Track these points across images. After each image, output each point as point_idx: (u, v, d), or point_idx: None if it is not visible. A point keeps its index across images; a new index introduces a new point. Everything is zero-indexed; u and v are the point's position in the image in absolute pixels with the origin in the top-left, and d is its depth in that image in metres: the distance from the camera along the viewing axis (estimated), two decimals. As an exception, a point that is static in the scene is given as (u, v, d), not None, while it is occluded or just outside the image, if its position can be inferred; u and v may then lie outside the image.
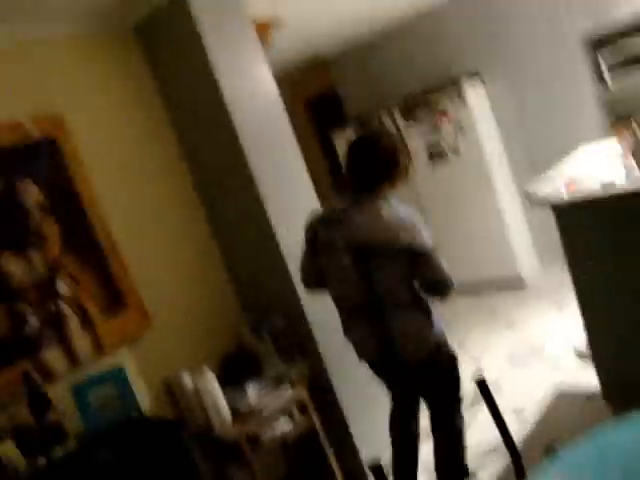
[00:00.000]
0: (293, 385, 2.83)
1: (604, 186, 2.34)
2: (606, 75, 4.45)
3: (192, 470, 2.56)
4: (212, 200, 3.04)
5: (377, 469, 1.50)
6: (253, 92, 2.83)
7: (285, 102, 2.99)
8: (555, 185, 2.59)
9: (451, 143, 4.84)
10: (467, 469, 2.61)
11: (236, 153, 2.74)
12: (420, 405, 2.64)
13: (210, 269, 3.07)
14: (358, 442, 2.96)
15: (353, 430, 2.95)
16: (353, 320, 2.43)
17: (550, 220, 4.12)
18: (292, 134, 2.96)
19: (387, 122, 5.13)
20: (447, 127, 4.82)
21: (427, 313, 2.35)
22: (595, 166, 2.74)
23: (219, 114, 2.74)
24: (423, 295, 2.34)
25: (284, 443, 3.02)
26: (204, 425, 2.74)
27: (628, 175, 2.35)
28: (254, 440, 2.69)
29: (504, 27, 4.79)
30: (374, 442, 3.01)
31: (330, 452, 2.92)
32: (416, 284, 2.31)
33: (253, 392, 2.78)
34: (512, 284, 4.94)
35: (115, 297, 2.73)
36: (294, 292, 2.81)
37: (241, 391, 2.77)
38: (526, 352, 3.88)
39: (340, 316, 2.48)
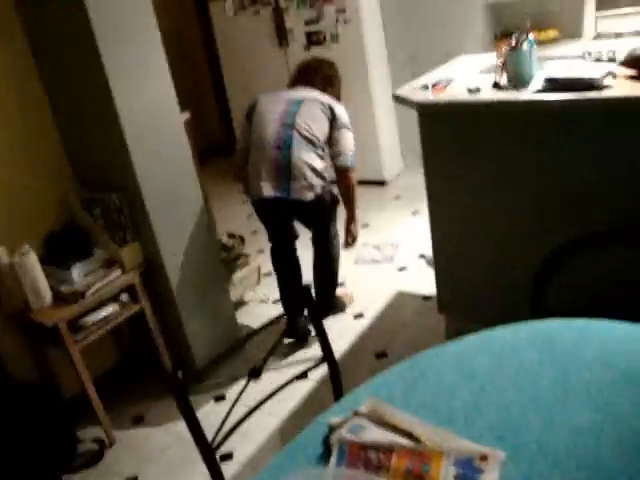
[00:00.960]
0: (124, 268, 2.63)
1: (469, 91, 2.25)
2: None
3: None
4: (51, 69, 2.61)
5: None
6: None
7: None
8: (423, 87, 2.46)
9: (332, 29, 4.55)
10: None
11: (81, 20, 2.30)
12: (295, 238, 3.12)
13: (40, 136, 2.67)
14: (189, 332, 2.85)
15: (185, 319, 2.82)
16: (259, 158, 2.82)
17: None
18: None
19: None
20: (330, 13, 4.50)
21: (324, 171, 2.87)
22: (467, 74, 2.64)
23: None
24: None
25: (117, 329, 2.85)
26: (20, 307, 2.49)
27: (495, 84, 2.26)
28: (75, 325, 2.49)
29: None
30: (204, 335, 2.94)
31: (160, 340, 2.80)
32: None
33: (79, 273, 2.55)
34: (373, 183, 4.94)
35: None
36: (131, 169, 2.52)
37: (64, 272, 2.52)
38: (375, 253, 3.93)
39: (249, 164, 2.90)
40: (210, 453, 1.36)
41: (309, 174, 2.78)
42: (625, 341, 1.32)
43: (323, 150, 2.88)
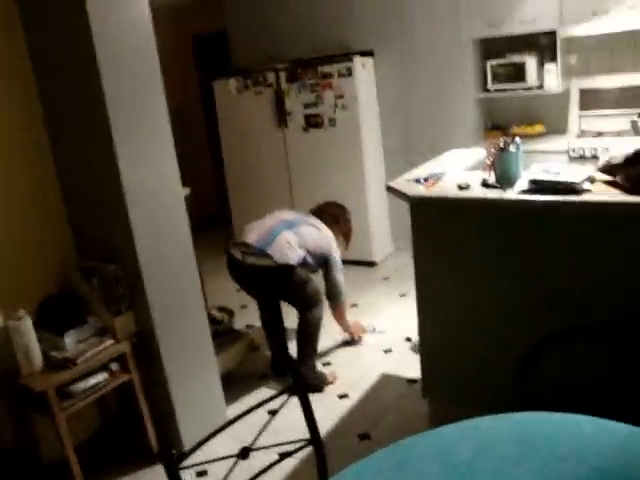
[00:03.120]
0: (117, 338, 2.67)
1: (460, 187, 2.40)
2: (490, 83, 4.60)
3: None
4: (59, 134, 2.75)
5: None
6: (123, 22, 2.52)
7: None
8: (416, 180, 2.61)
9: (330, 114, 4.80)
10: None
11: (94, 89, 2.44)
12: (280, 307, 3.63)
13: (43, 202, 2.78)
14: (177, 404, 2.86)
15: (173, 391, 2.84)
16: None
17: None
18: (160, 78, 2.70)
19: (270, 79, 4.97)
20: (329, 98, 4.76)
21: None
22: (457, 169, 2.80)
23: (83, 49, 2.43)
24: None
25: (101, 397, 2.85)
26: (10, 370, 2.51)
27: (483, 182, 2.42)
28: (64, 391, 2.50)
29: (408, 12, 4.79)
30: (193, 409, 2.95)
31: (147, 412, 2.81)
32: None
33: (72, 340, 2.58)
34: (364, 264, 5.05)
35: None
36: (132, 242, 2.61)
37: (57, 338, 2.56)
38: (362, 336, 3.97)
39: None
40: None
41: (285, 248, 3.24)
42: (597, 437, 1.38)
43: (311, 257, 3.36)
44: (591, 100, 4.49)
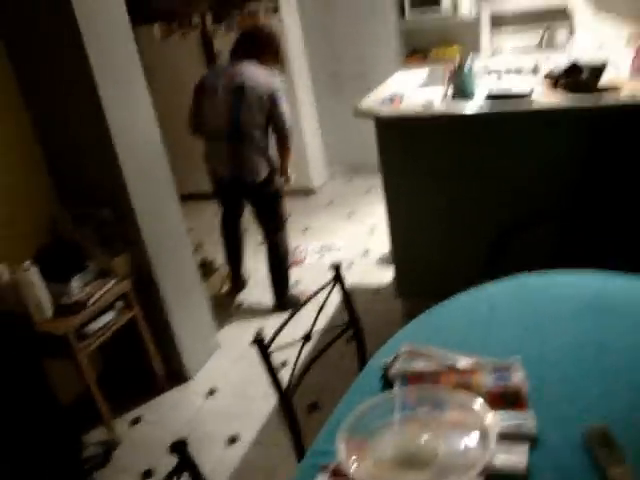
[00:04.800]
0: (117, 278, 2.80)
1: (424, 105, 2.69)
2: (407, 10, 4.87)
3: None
4: (32, 83, 2.73)
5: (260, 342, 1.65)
6: None
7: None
8: (384, 101, 2.87)
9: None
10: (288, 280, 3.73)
11: (72, 32, 2.46)
12: (242, 215, 3.76)
13: (25, 156, 2.79)
14: (177, 333, 3.06)
15: (173, 321, 3.03)
16: (216, 147, 3.38)
17: (341, 134, 4.63)
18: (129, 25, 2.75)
19: (196, 22, 4.95)
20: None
21: (267, 152, 3.35)
22: (411, 88, 3.09)
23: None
24: (270, 139, 3.36)
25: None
26: (22, 321, 2.59)
27: (443, 98, 2.72)
28: (80, 333, 2.63)
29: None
30: (191, 335, 3.17)
31: (151, 344, 2.99)
32: (270, 129, 3.32)
33: (77, 285, 2.69)
34: (303, 191, 5.31)
35: None
36: (123, 183, 2.71)
37: (62, 285, 2.66)
38: (319, 255, 4.29)
39: (206, 147, 3.48)
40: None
41: (257, 161, 3.32)
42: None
43: (265, 134, 3.34)
44: (501, 20, 4.89)
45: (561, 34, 4.69)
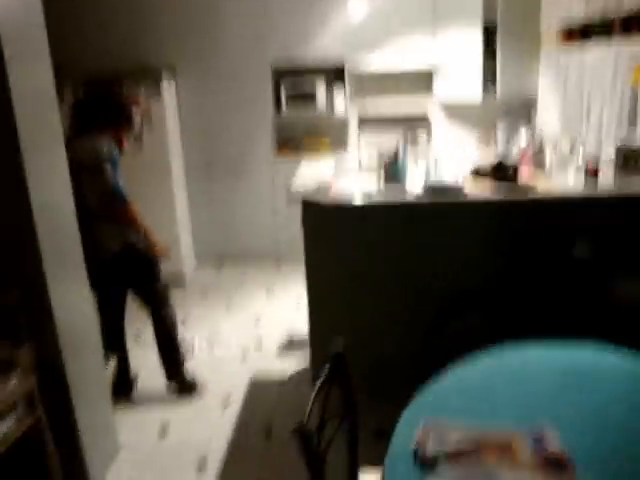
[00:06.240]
0: (20, 373, 2.33)
1: (365, 195, 2.80)
2: (283, 103, 5.10)
3: None
4: None
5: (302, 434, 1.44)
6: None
7: None
8: (311, 188, 2.92)
9: (137, 135, 4.70)
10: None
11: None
12: (125, 302, 3.36)
13: None
14: (82, 443, 2.60)
15: (80, 428, 2.58)
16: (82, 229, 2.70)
17: (211, 223, 4.57)
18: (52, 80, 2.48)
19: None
20: (137, 118, 4.66)
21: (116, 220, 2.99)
22: (346, 178, 3.19)
23: None
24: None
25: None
26: None
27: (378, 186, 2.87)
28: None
29: (210, 28, 5.01)
30: (97, 438, 2.73)
31: (54, 458, 2.49)
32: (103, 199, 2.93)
33: (-29, 385, 2.19)
34: (175, 281, 5.03)
35: None
36: (38, 263, 2.33)
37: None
38: (209, 347, 4.04)
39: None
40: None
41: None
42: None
43: None
44: (367, 122, 5.34)
45: (421, 135, 5.24)
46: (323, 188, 2.90)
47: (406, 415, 1.64)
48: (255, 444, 2.95)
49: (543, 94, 4.72)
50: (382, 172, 2.91)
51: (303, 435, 1.36)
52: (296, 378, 3.56)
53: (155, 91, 4.59)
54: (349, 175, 3.31)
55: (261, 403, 3.34)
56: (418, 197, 2.76)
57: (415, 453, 1.45)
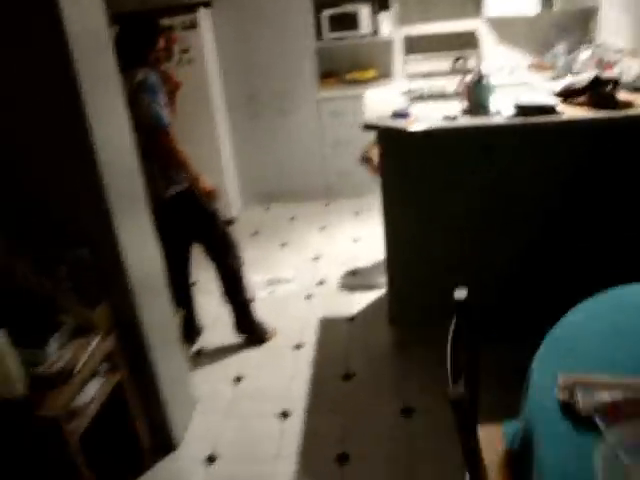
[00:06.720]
0: (100, 334, 2.23)
1: (446, 119, 2.54)
2: (325, 32, 4.74)
3: None
4: None
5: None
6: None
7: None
8: (393, 117, 2.66)
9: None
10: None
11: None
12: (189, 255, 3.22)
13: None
14: (164, 400, 2.53)
15: (161, 386, 2.50)
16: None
17: (257, 161, 4.27)
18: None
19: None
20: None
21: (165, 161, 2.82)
22: (407, 105, 2.92)
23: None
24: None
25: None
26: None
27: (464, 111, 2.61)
28: (69, 411, 2.03)
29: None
30: (177, 396, 2.66)
31: (138, 411, 2.43)
32: None
33: (53, 350, 2.08)
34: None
35: None
36: (107, 215, 2.16)
37: (39, 351, 2.04)
38: (271, 290, 3.92)
39: None
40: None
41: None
42: None
43: None
44: (415, 45, 4.97)
45: (471, 61, 4.87)
46: (400, 117, 2.64)
47: (538, 365, 1.49)
48: (335, 387, 2.88)
49: (607, 2, 4.30)
50: (464, 95, 2.64)
51: (457, 404, 1.21)
52: (363, 314, 3.46)
53: (191, 22, 4.28)
54: (424, 101, 3.02)
55: (333, 342, 3.26)
56: (509, 118, 2.49)
57: (564, 408, 1.31)
